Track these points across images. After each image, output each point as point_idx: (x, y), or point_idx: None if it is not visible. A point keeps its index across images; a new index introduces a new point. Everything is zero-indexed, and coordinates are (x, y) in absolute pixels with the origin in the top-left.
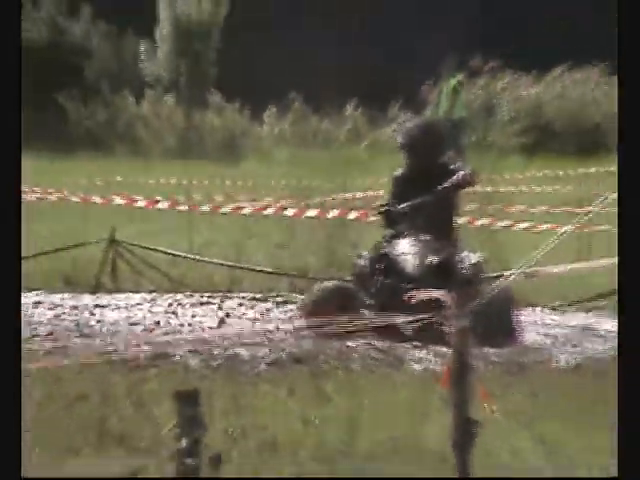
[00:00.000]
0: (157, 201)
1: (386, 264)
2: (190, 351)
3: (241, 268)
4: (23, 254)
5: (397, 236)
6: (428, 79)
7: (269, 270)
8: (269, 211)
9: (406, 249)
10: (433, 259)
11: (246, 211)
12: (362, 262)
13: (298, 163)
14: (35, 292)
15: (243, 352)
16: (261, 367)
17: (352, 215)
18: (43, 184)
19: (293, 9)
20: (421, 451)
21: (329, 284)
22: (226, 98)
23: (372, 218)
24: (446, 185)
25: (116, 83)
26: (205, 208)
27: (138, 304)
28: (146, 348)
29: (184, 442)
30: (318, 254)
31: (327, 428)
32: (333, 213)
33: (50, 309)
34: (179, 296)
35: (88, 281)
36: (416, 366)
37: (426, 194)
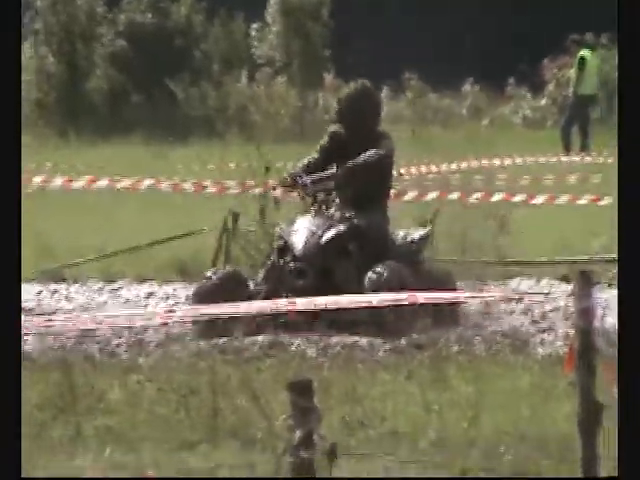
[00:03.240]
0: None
1: (280, 244)
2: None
3: None
4: (137, 244)
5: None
6: (544, 56)
7: None
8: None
9: (301, 225)
10: (323, 236)
11: None
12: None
13: (418, 142)
14: (149, 282)
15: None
16: (380, 354)
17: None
18: (156, 173)
19: None
20: (545, 437)
21: (219, 270)
22: (340, 78)
23: None
24: (352, 163)
25: (226, 66)
26: None
27: None
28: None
29: (298, 434)
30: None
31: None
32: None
33: (163, 299)
34: None
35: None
36: (540, 350)
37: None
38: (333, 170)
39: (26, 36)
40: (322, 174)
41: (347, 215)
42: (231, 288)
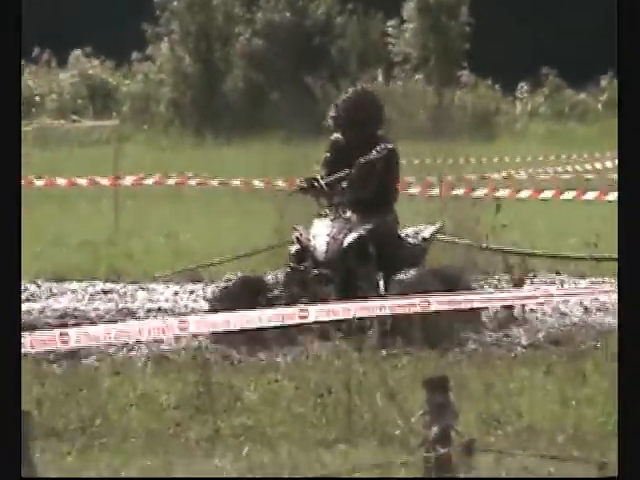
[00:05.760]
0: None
1: (298, 249)
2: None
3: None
4: (273, 243)
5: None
6: None
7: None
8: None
9: (319, 230)
10: (344, 240)
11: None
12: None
13: (554, 138)
14: None
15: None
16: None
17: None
18: (292, 171)
19: None
20: None
21: (235, 277)
22: (477, 74)
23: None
24: (365, 159)
25: (363, 63)
26: (458, 192)
27: None
28: None
29: (434, 430)
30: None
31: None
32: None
33: None
34: None
35: None
36: None
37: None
38: (347, 170)
39: (162, 37)
40: (337, 175)
41: (364, 217)
42: (250, 293)
